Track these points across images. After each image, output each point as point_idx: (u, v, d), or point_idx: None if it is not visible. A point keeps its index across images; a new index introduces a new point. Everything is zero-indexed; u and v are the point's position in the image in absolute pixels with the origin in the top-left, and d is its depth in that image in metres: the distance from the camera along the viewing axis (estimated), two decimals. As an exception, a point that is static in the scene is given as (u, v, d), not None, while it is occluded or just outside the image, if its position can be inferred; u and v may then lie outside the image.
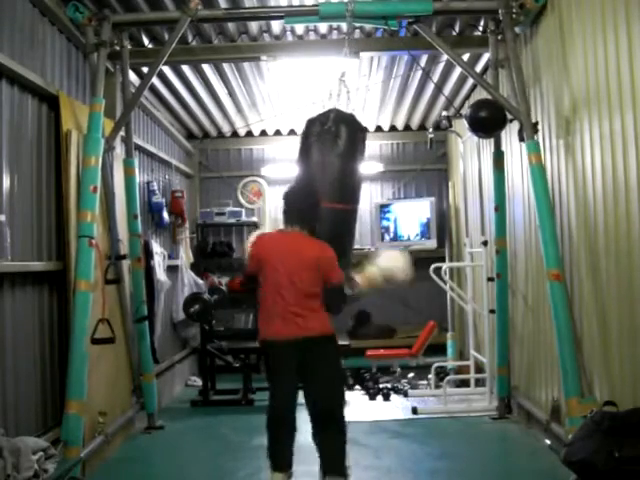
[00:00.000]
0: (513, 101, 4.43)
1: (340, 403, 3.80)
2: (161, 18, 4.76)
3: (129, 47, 5.03)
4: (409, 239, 8.16)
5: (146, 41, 5.38)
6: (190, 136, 8.56)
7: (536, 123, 4.28)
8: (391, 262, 3.93)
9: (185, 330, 7.34)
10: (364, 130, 4.29)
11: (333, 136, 4.02)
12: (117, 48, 4.90)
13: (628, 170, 3.25)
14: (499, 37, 4.84)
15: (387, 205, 8.33)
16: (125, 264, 5.09)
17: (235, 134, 8.55)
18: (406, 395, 6.28)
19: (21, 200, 3.87)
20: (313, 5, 4.57)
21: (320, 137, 4.08)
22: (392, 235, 8.25)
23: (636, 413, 2.80)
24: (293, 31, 5.51)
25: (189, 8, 4.42)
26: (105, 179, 4.68)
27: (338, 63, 5.81)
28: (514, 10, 4.45)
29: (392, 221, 8.27)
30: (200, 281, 7.58)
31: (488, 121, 4.58)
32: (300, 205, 3.77)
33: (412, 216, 8.21)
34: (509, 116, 4.50)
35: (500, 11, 4.49)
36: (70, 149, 4.29)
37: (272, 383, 3.96)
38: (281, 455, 3.78)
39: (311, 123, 4.20)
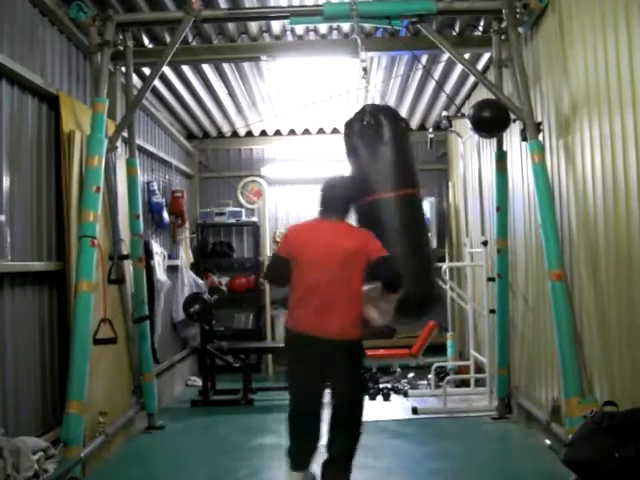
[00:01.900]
0: (516, 101, 4.43)
1: (359, 408, 3.70)
2: (164, 18, 4.76)
3: (132, 47, 5.03)
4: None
5: (146, 41, 5.38)
6: (190, 136, 8.56)
7: (539, 123, 4.28)
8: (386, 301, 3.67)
9: (185, 330, 7.33)
10: (403, 119, 4.29)
11: (375, 127, 3.98)
12: (120, 48, 4.90)
13: (628, 170, 3.25)
14: (502, 37, 4.84)
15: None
16: (127, 264, 5.08)
17: (235, 134, 8.55)
18: (406, 395, 6.28)
19: (21, 200, 3.87)
20: (317, 5, 4.57)
21: (362, 133, 4.03)
22: None
23: (636, 413, 2.80)
24: (293, 31, 5.51)
25: (192, 9, 4.42)
26: (108, 179, 4.68)
27: (338, 63, 5.84)
28: (518, 10, 4.46)
29: None
30: (200, 281, 7.59)
31: (492, 121, 4.59)
32: (338, 194, 3.69)
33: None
34: (512, 116, 4.49)
35: (504, 11, 4.50)
36: (72, 149, 4.28)
37: (293, 379, 3.76)
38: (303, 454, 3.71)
39: (350, 124, 4.14)
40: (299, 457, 3.68)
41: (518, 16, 4.49)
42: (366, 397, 4.14)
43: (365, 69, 4.29)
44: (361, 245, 3.53)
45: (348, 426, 3.66)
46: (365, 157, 4.04)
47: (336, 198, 3.69)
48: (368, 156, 4.03)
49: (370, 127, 4.00)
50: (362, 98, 4.29)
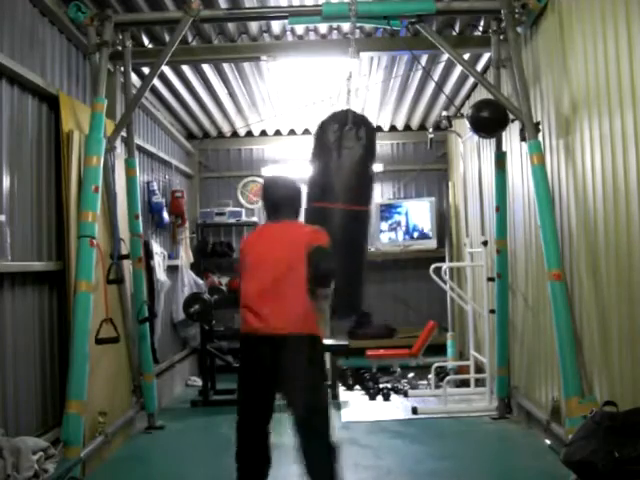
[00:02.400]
0: (515, 101, 4.43)
1: (320, 416, 3.23)
2: (163, 18, 4.76)
3: (131, 47, 5.03)
4: (412, 238, 8.17)
5: (146, 41, 5.38)
6: (190, 136, 8.56)
7: (538, 123, 4.28)
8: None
9: (185, 330, 7.33)
10: (375, 130, 4.24)
11: (354, 137, 3.93)
12: (119, 48, 4.90)
13: (628, 170, 3.25)
14: (501, 37, 4.84)
15: (396, 205, 8.33)
16: (126, 264, 5.09)
17: (235, 134, 8.55)
18: (406, 395, 6.28)
19: (21, 200, 3.87)
20: (316, 5, 4.57)
21: (340, 138, 3.96)
22: (406, 232, 8.25)
23: (636, 413, 2.80)
24: (293, 31, 5.51)
25: (191, 8, 4.42)
26: (106, 179, 4.68)
27: (338, 63, 5.83)
28: (516, 10, 4.46)
29: (404, 216, 8.28)
30: (200, 281, 7.59)
31: (490, 121, 4.59)
32: (284, 193, 3.47)
33: (412, 216, 8.22)
34: (511, 116, 4.50)
35: (502, 11, 4.50)
36: (71, 149, 4.29)
37: (239, 390, 3.45)
38: None
39: (327, 123, 4.06)
40: None
41: (517, 16, 4.49)
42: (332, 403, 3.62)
43: (350, 73, 4.27)
44: (308, 238, 3.23)
45: (310, 442, 3.20)
46: (333, 163, 3.97)
47: (285, 200, 3.45)
48: (336, 163, 3.96)
49: (349, 134, 3.95)
50: (345, 101, 4.24)
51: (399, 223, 8.26)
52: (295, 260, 3.18)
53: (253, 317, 3.21)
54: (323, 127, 4.10)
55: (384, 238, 8.26)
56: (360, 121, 4.05)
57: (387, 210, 8.30)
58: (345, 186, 3.93)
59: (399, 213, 8.27)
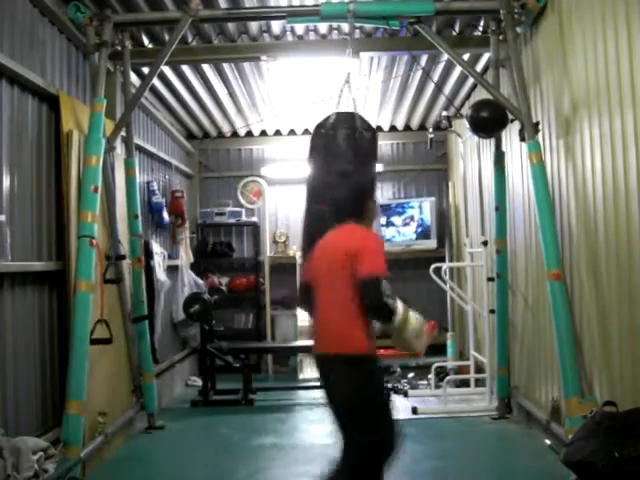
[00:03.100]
0: (514, 101, 4.43)
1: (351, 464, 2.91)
2: (162, 18, 4.76)
3: (130, 47, 5.03)
4: (412, 239, 8.17)
5: (146, 41, 5.38)
6: (190, 136, 8.56)
7: (537, 123, 4.28)
8: (422, 332, 3.05)
9: (185, 330, 7.34)
10: (370, 129, 4.17)
11: (332, 138, 3.93)
12: (118, 48, 4.90)
13: (628, 170, 3.25)
14: (500, 37, 4.84)
15: (403, 204, 8.33)
16: (125, 264, 5.08)
17: (235, 134, 8.56)
18: (406, 395, 6.28)
19: (21, 200, 3.87)
20: (315, 5, 4.57)
21: (323, 141, 3.97)
22: (419, 225, 8.23)
23: (636, 413, 2.80)
24: (293, 31, 5.51)
25: (190, 8, 4.42)
26: (106, 179, 4.68)
27: (338, 63, 5.83)
28: (516, 10, 4.46)
29: (417, 209, 8.25)
30: (200, 281, 7.59)
31: (489, 121, 4.59)
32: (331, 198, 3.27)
33: (412, 216, 8.23)
34: (510, 116, 4.50)
35: (501, 11, 4.50)
36: (71, 149, 4.29)
37: None
38: None
39: (316, 130, 4.07)
40: None
41: (516, 16, 4.49)
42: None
43: (349, 74, 4.26)
44: (349, 255, 2.90)
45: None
46: (321, 165, 3.99)
47: (344, 197, 3.20)
48: (323, 166, 3.97)
49: (328, 136, 3.93)
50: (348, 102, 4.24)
51: (412, 217, 8.25)
52: (337, 274, 2.92)
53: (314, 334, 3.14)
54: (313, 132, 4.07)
55: (398, 232, 8.25)
56: (344, 121, 4.04)
57: (400, 206, 8.30)
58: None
59: (412, 207, 8.26)
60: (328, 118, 4.03)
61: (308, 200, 3.86)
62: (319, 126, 4.11)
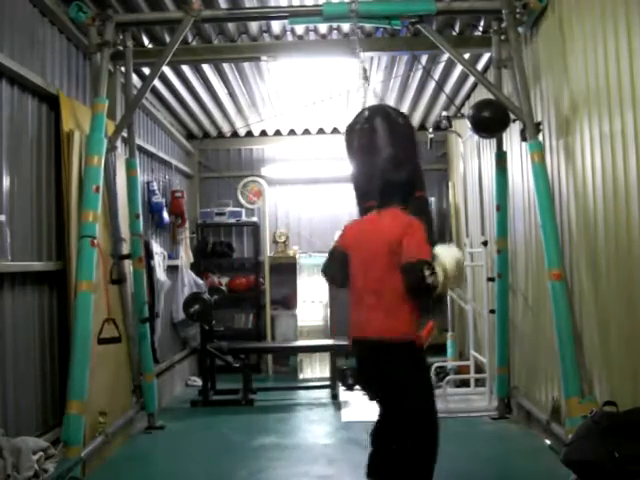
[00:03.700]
0: (516, 101, 4.43)
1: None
2: (164, 18, 4.76)
3: (132, 47, 5.03)
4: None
5: (146, 41, 5.38)
6: (190, 136, 8.56)
7: (539, 123, 4.28)
8: (453, 259, 3.18)
9: (185, 330, 7.34)
10: (404, 117, 3.95)
11: (370, 131, 3.71)
12: (120, 48, 4.90)
13: (628, 170, 3.25)
14: (502, 37, 4.84)
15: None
16: (127, 264, 5.09)
17: (235, 134, 8.56)
18: (406, 395, 6.27)
19: (21, 200, 3.87)
20: (316, 5, 4.57)
21: (361, 135, 3.79)
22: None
23: (636, 413, 2.80)
24: (293, 31, 5.51)
25: (192, 9, 4.42)
26: (107, 179, 4.68)
27: (338, 63, 5.84)
28: (517, 10, 4.46)
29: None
30: (200, 281, 7.59)
31: (491, 121, 4.58)
32: (381, 181, 3.38)
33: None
34: (512, 116, 4.49)
35: (503, 11, 4.50)
36: (71, 149, 4.29)
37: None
38: None
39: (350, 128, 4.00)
40: None
41: (518, 16, 4.49)
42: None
43: (365, 69, 4.24)
44: (398, 238, 3.12)
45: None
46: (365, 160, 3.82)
47: (392, 182, 3.37)
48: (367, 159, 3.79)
49: (364, 130, 3.87)
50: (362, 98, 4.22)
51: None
52: (387, 259, 3.13)
53: (356, 319, 3.30)
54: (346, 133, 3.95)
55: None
56: (376, 112, 3.92)
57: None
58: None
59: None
60: (360, 114, 3.96)
61: (358, 197, 3.73)
62: (353, 123, 4.01)
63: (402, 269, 3.05)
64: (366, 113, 3.79)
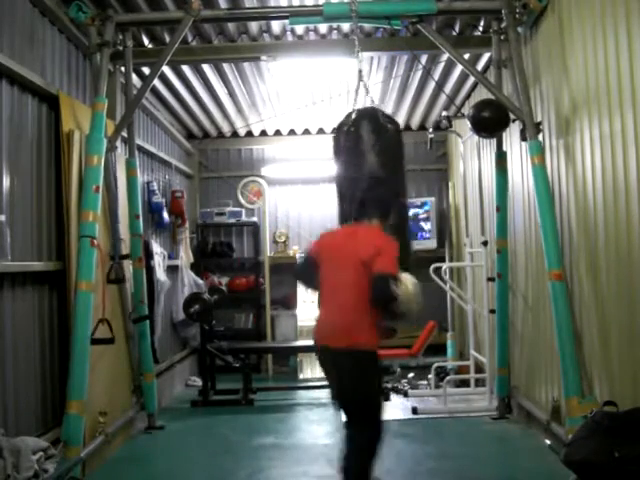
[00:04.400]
0: (516, 101, 4.43)
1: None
2: (164, 18, 4.76)
3: (132, 47, 5.03)
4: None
5: (146, 41, 5.38)
6: (190, 136, 8.56)
7: (539, 123, 4.28)
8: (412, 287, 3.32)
9: (185, 330, 7.34)
10: (394, 122, 3.97)
11: (356, 135, 3.77)
12: (120, 48, 4.90)
13: (628, 170, 3.25)
14: (502, 37, 4.84)
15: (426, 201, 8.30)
16: (126, 264, 5.08)
17: (235, 134, 8.56)
18: (406, 395, 6.28)
19: (21, 200, 3.87)
20: (317, 5, 4.57)
21: (346, 139, 3.85)
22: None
23: (636, 413, 2.80)
24: (293, 31, 5.51)
25: (192, 8, 4.42)
26: (107, 179, 4.68)
27: (338, 63, 5.83)
28: (517, 10, 4.46)
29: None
30: (200, 281, 7.59)
31: (491, 121, 4.59)
32: (363, 194, 3.49)
33: (412, 216, 8.22)
34: (512, 116, 4.49)
35: (503, 11, 4.50)
36: (72, 149, 4.29)
37: None
38: None
39: (338, 128, 3.97)
40: None
41: (517, 16, 4.49)
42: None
43: (361, 71, 4.22)
44: (373, 254, 3.22)
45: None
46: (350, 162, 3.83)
47: (375, 199, 3.49)
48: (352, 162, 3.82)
49: (351, 133, 3.86)
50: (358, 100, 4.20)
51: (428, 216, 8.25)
52: (361, 272, 3.23)
53: (322, 325, 3.46)
54: (335, 133, 3.99)
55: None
56: (364, 116, 3.90)
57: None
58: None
59: (428, 204, 8.26)
60: (349, 115, 3.96)
61: (339, 199, 3.80)
62: (341, 124, 4.02)
63: (373, 279, 3.16)
64: (354, 115, 3.81)
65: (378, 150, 3.67)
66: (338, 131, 3.90)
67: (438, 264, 6.32)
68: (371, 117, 3.81)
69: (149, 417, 5.34)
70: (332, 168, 3.91)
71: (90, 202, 4.06)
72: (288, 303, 8.22)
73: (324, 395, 6.44)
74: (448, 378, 6.05)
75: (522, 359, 5.29)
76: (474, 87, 6.77)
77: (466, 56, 5.66)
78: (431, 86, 6.89)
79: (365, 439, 3.33)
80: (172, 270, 7.05)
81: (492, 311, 5.45)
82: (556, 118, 4.33)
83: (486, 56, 5.75)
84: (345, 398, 3.39)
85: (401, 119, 8.17)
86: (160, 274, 6.38)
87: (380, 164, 3.64)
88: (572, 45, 3.96)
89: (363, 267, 3.22)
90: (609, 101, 3.45)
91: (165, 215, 6.74)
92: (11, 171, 3.76)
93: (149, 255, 6.11)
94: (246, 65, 6.13)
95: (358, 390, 3.30)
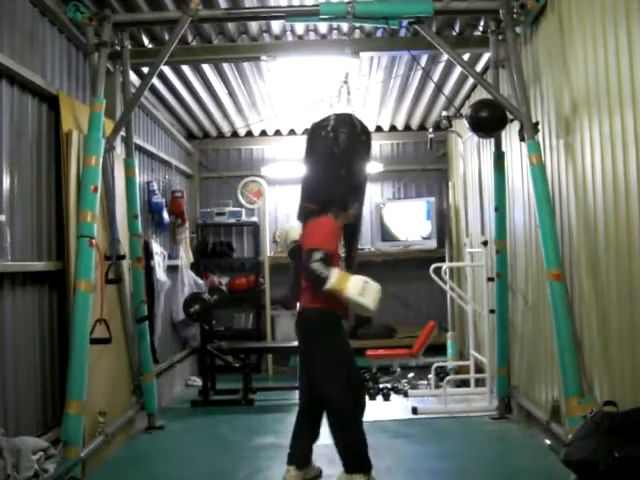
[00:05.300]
0: (514, 101, 4.43)
1: (326, 390, 3.76)
2: (162, 18, 4.75)
3: (129, 47, 5.03)
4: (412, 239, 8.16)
5: (146, 41, 5.38)
6: (190, 136, 8.56)
7: (537, 123, 4.28)
8: (366, 292, 3.63)
9: (185, 330, 7.33)
10: (365, 130, 4.12)
11: (332, 140, 3.95)
12: (118, 48, 4.90)
13: (628, 170, 3.25)
14: (500, 37, 4.84)
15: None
16: (125, 264, 5.08)
17: (235, 134, 8.56)
18: (406, 395, 6.28)
19: (21, 200, 3.87)
20: (314, 5, 4.57)
21: (321, 142, 4.05)
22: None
23: (636, 413, 2.80)
24: (293, 31, 5.51)
25: (190, 8, 4.42)
26: (106, 179, 4.68)
27: (338, 63, 5.83)
28: (515, 10, 4.45)
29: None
30: (200, 281, 7.59)
31: (489, 121, 4.58)
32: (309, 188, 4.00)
33: (412, 216, 8.23)
34: (510, 116, 4.50)
35: (501, 11, 4.49)
36: (70, 149, 4.29)
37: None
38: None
39: (313, 129, 4.15)
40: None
41: (515, 16, 4.48)
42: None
43: (347, 74, 4.27)
44: (305, 236, 3.87)
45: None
46: (317, 164, 4.19)
47: (333, 198, 3.90)
48: (319, 164, 4.16)
49: (327, 138, 4.05)
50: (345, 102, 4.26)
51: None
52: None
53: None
54: (310, 132, 4.22)
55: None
56: (341, 122, 4.03)
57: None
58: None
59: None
60: (326, 118, 4.06)
61: (301, 198, 4.14)
62: (313, 126, 4.18)
63: (309, 261, 3.64)
64: (331, 118, 3.93)
65: (346, 156, 3.96)
66: (313, 132, 4.19)
67: (438, 264, 6.31)
68: (346, 122, 4.01)
69: (149, 417, 5.34)
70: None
71: (88, 202, 4.06)
72: (288, 303, 8.21)
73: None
74: (448, 378, 6.05)
75: (522, 359, 5.29)
76: (474, 87, 6.77)
77: (466, 56, 5.68)
78: (431, 86, 6.89)
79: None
80: (172, 270, 7.05)
81: (492, 311, 5.45)
82: (556, 118, 4.33)
83: (486, 56, 5.75)
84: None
85: (401, 119, 8.19)
86: (160, 274, 6.38)
87: (344, 169, 3.94)
88: (572, 44, 3.96)
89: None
90: (609, 101, 3.45)
91: (165, 215, 6.74)
92: (11, 171, 3.76)
93: (149, 255, 6.11)
94: (246, 65, 6.13)
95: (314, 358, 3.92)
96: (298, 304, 4.03)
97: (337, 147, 3.93)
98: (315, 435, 3.98)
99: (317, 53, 5.55)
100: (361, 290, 3.59)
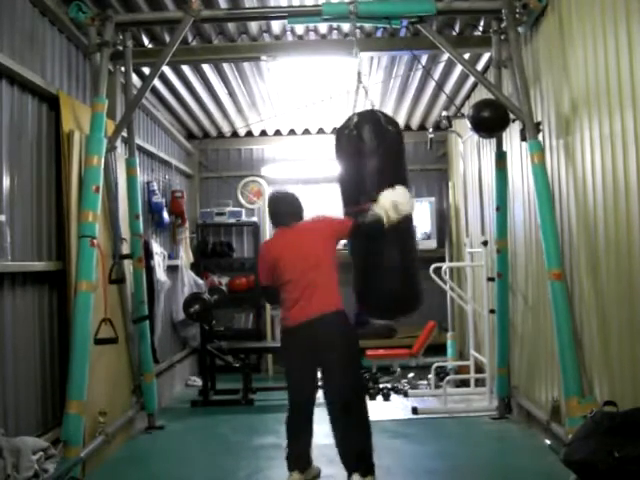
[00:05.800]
0: (515, 101, 4.43)
1: (356, 394, 3.87)
2: (164, 18, 4.75)
3: (131, 47, 5.03)
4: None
5: (146, 41, 5.38)
6: (190, 136, 8.56)
7: (538, 123, 4.28)
8: (396, 195, 4.03)
9: (185, 330, 7.34)
10: (395, 124, 4.24)
11: (358, 138, 4.04)
12: (120, 48, 4.90)
13: (628, 170, 3.25)
14: (502, 37, 4.84)
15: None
16: (127, 264, 5.08)
17: (235, 134, 8.55)
18: (406, 395, 6.28)
19: (21, 200, 3.87)
20: (316, 5, 4.57)
21: (347, 142, 4.13)
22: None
23: (636, 413, 2.80)
24: (293, 31, 5.51)
25: (191, 8, 4.42)
26: (107, 179, 4.68)
27: (338, 63, 5.83)
28: (517, 10, 4.45)
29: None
30: (200, 281, 7.59)
31: (491, 121, 4.59)
32: (288, 208, 4.04)
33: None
34: (511, 116, 4.49)
35: (503, 11, 4.49)
36: (71, 149, 4.29)
37: (288, 375, 4.05)
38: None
39: (339, 131, 4.24)
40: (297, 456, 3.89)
41: (517, 16, 4.48)
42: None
43: (359, 73, 4.28)
44: (324, 226, 3.92)
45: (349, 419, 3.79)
46: (352, 165, 4.22)
47: (291, 211, 4.02)
48: (354, 164, 4.20)
49: (352, 136, 4.12)
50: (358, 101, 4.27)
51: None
52: (319, 248, 3.82)
53: (296, 311, 3.80)
54: (335, 137, 4.27)
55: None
56: (365, 119, 4.11)
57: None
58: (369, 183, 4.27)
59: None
60: (350, 118, 4.14)
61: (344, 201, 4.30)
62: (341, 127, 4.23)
63: (356, 222, 3.85)
64: (355, 119, 3.94)
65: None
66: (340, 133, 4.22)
67: (438, 264, 6.31)
68: (372, 119, 4.05)
69: (149, 417, 5.34)
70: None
71: (90, 202, 4.06)
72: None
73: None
74: (448, 378, 6.05)
75: (522, 359, 5.29)
76: (474, 87, 6.77)
77: (466, 56, 5.66)
78: (431, 86, 6.89)
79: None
80: (172, 270, 7.05)
81: (492, 311, 5.46)
82: (556, 118, 4.33)
83: (486, 56, 5.75)
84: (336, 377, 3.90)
85: (401, 119, 8.17)
86: (160, 274, 6.38)
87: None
88: (572, 45, 3.96)
89: (327, 239, 3.84)
90: (609, 101, 3.45)
91: (165, 215, 6.74)
92: (11, 171, 3.76)
93: (149, 255, 6.11)
94: (246, 65, 6.13)
95: (350, 361, 3.92)
96: (300, 315, 3.78)
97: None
98: (312, 434, 3.97)
99: (317, 53, 5.56)
100: (396, 199, 3.98)
